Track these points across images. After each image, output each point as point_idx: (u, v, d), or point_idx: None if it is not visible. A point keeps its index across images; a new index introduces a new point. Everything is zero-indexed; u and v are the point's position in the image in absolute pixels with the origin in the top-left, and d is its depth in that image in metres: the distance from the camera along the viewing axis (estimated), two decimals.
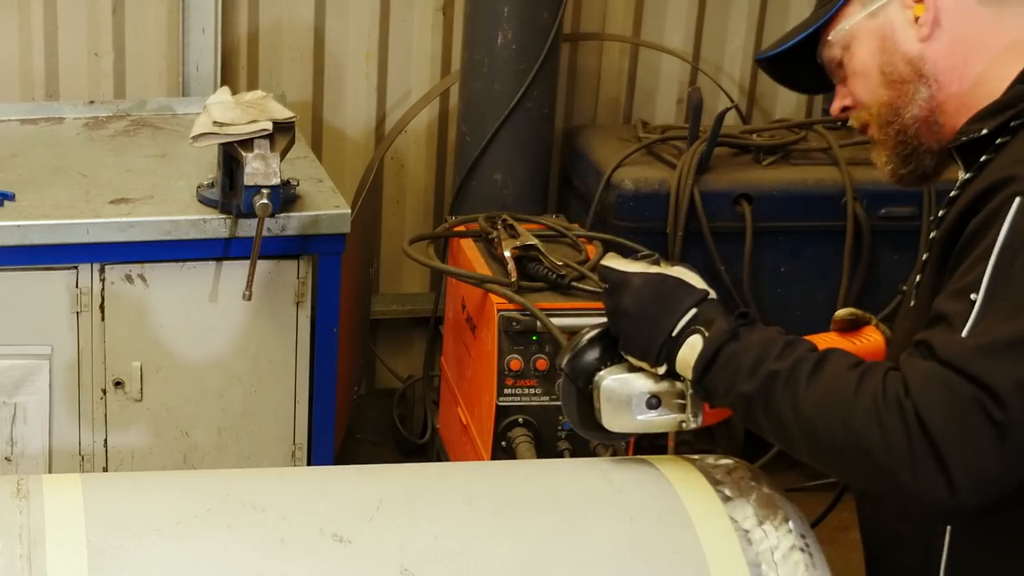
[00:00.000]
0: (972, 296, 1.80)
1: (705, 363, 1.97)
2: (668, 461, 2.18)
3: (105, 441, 3.55)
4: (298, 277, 3.56)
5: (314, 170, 3.83)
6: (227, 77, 4.42)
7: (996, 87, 1.99)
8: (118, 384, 3.52)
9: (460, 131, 4.32)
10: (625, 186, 4.19)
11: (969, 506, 1.78)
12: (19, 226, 3.39)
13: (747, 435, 4.22)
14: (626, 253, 3.65)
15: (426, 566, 1.90)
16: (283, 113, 3.44)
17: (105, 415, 3.53)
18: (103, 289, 3.46)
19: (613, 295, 2.09)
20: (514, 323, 3.37)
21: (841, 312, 2.19)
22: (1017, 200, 1.81)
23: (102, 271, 3.45)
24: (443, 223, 4.03)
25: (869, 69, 2.08)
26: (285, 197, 3.45)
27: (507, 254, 3.47)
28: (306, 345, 3.61)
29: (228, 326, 3.54)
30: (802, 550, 2.01)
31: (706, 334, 1.99)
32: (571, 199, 4.58)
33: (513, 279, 3.41)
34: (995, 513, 1.93)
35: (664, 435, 3.75)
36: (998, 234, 1.81)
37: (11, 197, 3.49)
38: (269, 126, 3.34)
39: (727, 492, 2.08)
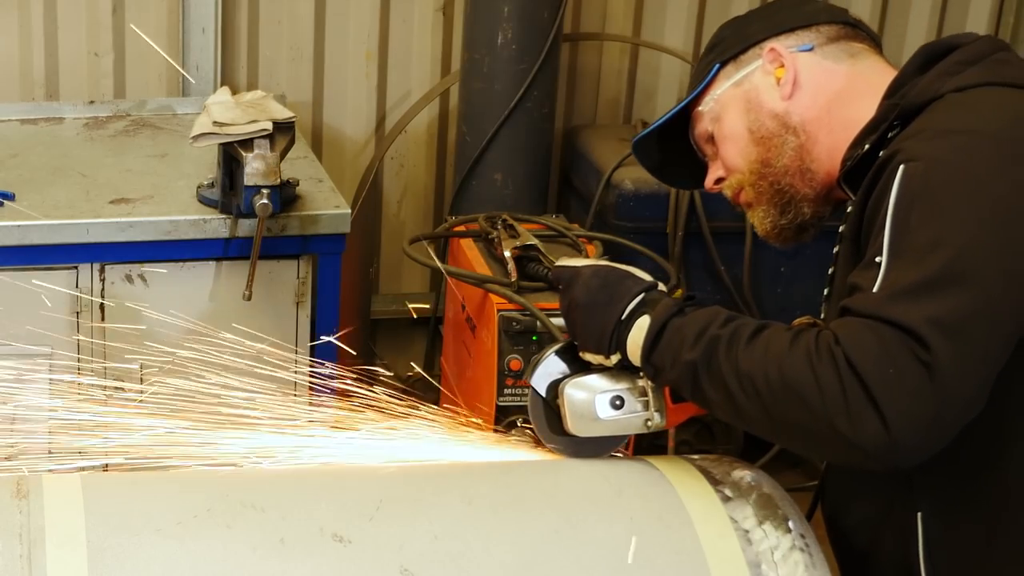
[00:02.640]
0: (877, 259, 1.89)
1: (652, 338, 2.02)
2: (668, 461, 2.18)
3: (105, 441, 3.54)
4: (298, 277, 3.56)
5: (314, 170, 3.83)
6: (227, 77, 4.42)
7: (862, 123, 2.09)
8: (118, 384, 3.52)
9: (460, 131, 4.32)
10: (625, 186, 4.19)
11: (907, 448, 1.81)
12: (19, 226, 3.39)
13: (747, 435, 4.22)
14: (626, 253, 3.65)
15: (426, 566, 1.90)
16: (283, 113, 3.44)
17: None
18: (103, 289, 3.46)
19: (566, 291, 2.15)
20: (514, 323, 3.37)
21: (800, 319, 2.22)
22: (902, 167, 1.91)
23: (102, 271, 3.45)
24: (443, 223, 4.03)
25: (738, 131, 2.21)
26: (285, 197, 3.44)
27: (507, 254, 3.47)
28: (306, 345, 3.61)
29: (228, 326, 3.54)
30: (802, 550, 2.01)
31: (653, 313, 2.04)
32: (571, 199, 4.58)
33: (513, 279, 3.41)
34: (961, 489, 2.01)
35: (664, 435, 3.75)
36: (891, 200, 1.90)
37: (11, 197, 3.49)
38: (269, 126, 3.34)
39: (727, 492, 2.08)
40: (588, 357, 2.13)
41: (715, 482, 2.10)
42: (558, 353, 2.17)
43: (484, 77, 4.19)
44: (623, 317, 2.06)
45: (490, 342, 3.43)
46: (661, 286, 2.11)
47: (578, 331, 2.12)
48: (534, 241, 3.52)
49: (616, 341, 2.07)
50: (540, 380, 2.16)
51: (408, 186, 4.75)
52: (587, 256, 3.60)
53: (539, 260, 3.48)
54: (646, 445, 3.37)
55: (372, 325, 4.75)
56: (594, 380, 2.12)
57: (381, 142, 4.62)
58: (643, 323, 2.04)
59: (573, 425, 2.13)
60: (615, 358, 2.08)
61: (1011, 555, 2.03)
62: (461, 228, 3.84)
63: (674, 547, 2.00)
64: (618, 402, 2.11)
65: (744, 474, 2.11)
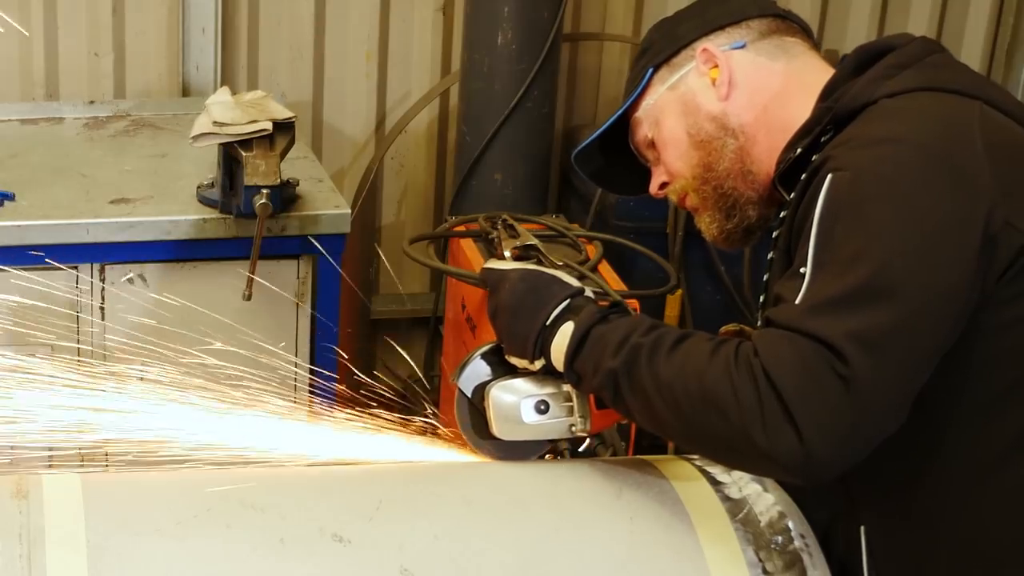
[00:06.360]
0: (802, 270, 1.88)
1: (575, 345, 2.01)
2: (668, 461, 2.18)
3: (105, 441, 3.54)
4: (298, 277, 3.56)
5: (314, 170, 3.83)
6: (227, 77, 4.42)
7: (799, 124, 2.08)
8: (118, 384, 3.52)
9: (460, 131, 4.32)
10: None
11: (823, 462, 1.80)
12: (19, 226, 3.39)
13: None
14: (626, 253, 3.63)
15: (426, 566, 1.90)
16: (283, 113, 3.44)
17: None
18: (103, 289, 3.45)
19: (493, 294, 2.15)
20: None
21: (727, 326, 2.22)
22: (830, 176, 1.90)
23: (102, 271, 3.45)
24: (443, 223, 4.03)
25: (677, 135, 2.19)
26: (285, 197, 3.44)
27: (507, 254, 3.47)
28: (306, 345, 3.61)
29: (228, 326, 3.54)
30: (802, 550, 2.01)
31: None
32: (571, 199, 4.58)
33: None
34: (899, 501, 2.02)
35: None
36: (816, 210, 1.89)
37: (11, 197, 3.49)
38: (269, 126, 3.34)
39: (727, 492, 2.08)
40: (513, 361, 2.13)
41: (715, 482, 2.10)
42: (484, 355, 2.17)
43: (484, 77, 4.19)
44: (548, 322, 2.06)
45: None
46: (588, 292, 2.10)
47: (504, 335, 2.12)
48: (534, 241, 3.51)
49: (540, 346, 2.07)
50: (467, 382, 2.17)
51: (408, 186, 4.75)
52: (587, 257, 3.60)
53: (539, 260, 3.48)
54: (646, 445, 3.36)
55: (372, 325, 4.75)
56: (519, 384, 2.12)
57: (381, 142, 4.62)
58: (567, 329, 2.03)
59: (498, 428, 2.13)
60: (539, 363, 2.08)
61: (951, 565, 2.03)
62: (461, 228, 3.83)
63: (674, 547, 2.00)
64: (543, 407, 2.11)
65: (744, 474, 2.11)
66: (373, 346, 4.76)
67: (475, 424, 2.16)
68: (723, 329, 2.20)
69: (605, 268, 3.62)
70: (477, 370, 2.17)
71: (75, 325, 3.46)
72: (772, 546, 2.01)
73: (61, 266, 3.42)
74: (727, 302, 4.26)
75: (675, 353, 1.90)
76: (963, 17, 4.98)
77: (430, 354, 4.48)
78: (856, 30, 4.88)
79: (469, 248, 3.71)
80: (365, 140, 4.66)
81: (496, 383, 2.12)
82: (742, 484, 2.09)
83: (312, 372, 3.62)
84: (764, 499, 2.07)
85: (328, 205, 3.58)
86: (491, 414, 2.12)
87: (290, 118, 3.43)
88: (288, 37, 4.49)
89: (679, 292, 3.96)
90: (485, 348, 2.17)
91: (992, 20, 5.03)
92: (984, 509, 2.00)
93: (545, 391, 2.11)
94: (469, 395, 2.16)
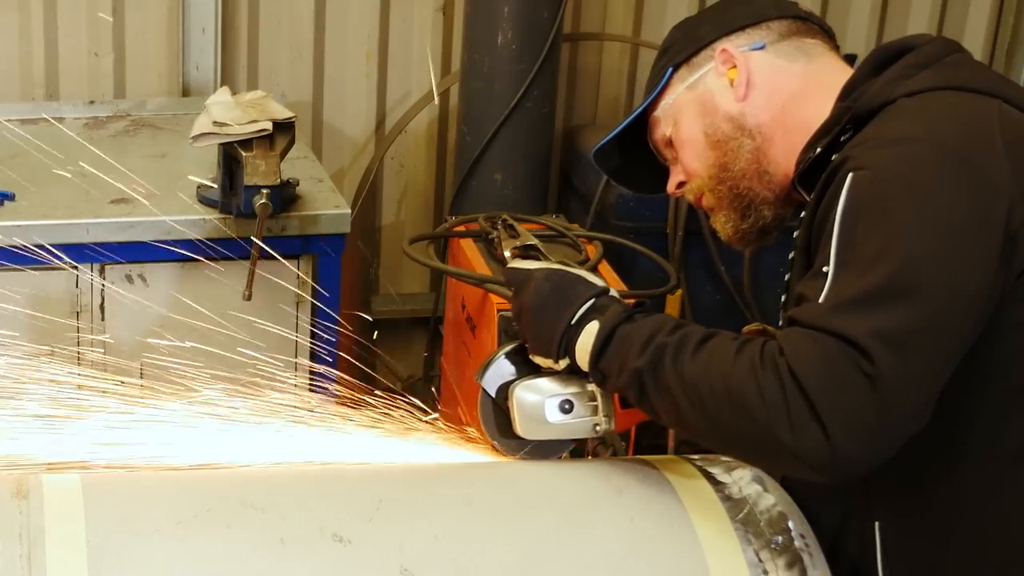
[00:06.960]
0: (825, 270, 1.88)
1: (600, 344, 2.01)
2: (668, 461, 2.18)
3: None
4: (298, 277, 3.56)
5: (314, 170, 3.83)
6: (227, 77, 4.42)
7: (817, 125, 2.08)
8: (118, 385, 3.52)
9: (460, 131, 4.32)
10: None
11: (849, 460, 1.80)
12: (19, 226, 3.39)
13: None
14: (626, 253, 3.63)
15: (426, 566, 1.90)
16: (283, 113, 3.44)
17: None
18: (103, 289, 3.45)
19: (518, 294, 2.15)
20: (514, 323, 3.36)
21: (751, 326, 2.22)
22: (850, 175, 1.90)
23: (102, 271, 3.45)
24: (443, 223, 4.03)
25: (694, 135, 2.19)
26: (285, 197, 3.44)
27: (507, 254, 3.47)
28: (306, 345, 3.61)
29: (228, 326, 3.54)
30: (802, 550, 2.01)
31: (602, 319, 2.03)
32: (571, 199, 4.58)
33: None
34: (916, 499, 2.02)
35: (664, 435, 3.76)
36: (838, 210, 1.90)
37: (11, 197, 3.49)
38: (269, 126, 3.34)
39: (727, 492, 2.08)
40: (538, 360, 2.12)
41: (715, 482, 2.10)
42: (508, 355, 2.17)
43: (484, 77, 4.19)
44: (572, 322, 2.05)
45: (490, 342, 3.42)
46: (613, 292, 2.10)
47: (528, 334, 2.12)
48: (534, 241, 3.51)
49: (565, 346, 2.06)
50: (490, 381, 2.16)
51: (408, 186, 4.75)
52: (587, 257, 3.60)
53: (539, 260, 3.48)
54: (646, 445, 3.36)
55: (372, 325, 4.74)
56: (544, 383, 2.12)
57: (381, 142, 4.62)
58: (592, 328, 2.03)
59: (522, 428, 2.13)
60: (564, 363, 2.08)
61: (965, 564, 2.03)
62: (461, 228, 3.83)
63: (674, 547, 2.00)
64: (567, 406, 2.11)
65: (744, 474, 2.11)
66: (373, 346, 4.76)
67: (499, 423, 2.16)
68: (746, 329, 2.20)
69: (605, 268, 3.63)
70: (501, 369, 2.16)
71: (75, 325, 3.46)
72: (772, 546, 2.01)
73: (61, 266, 3.43)
74: (727, 302, 4.26)
75: (700, 353, 1.90)
76: (963, 17, 4.98)
77: (430, 354, 4.48)
78: (856, 30, 4.88)
79: (469, 248, 3.71)
80: (365, 140, 4.66)
81: (520, 382, 2.12)
82: (742, 484, 2.09)
83: (312, 372, 3.63)
84: (764, 499, 2.07)
85: (328, 205, 3.58)
86: (515, 414, 2.12)
87: (290, 118, 3.43)
88: (288, 37, 4.49)
89: (679, 292, 3.96)
90: (509, 347, 2.17)
91: (992, 20, 5.03)
92: (999, 507, 2.00)
93: (569, 390, 2.11)
94: (493, 394, 2.16)
